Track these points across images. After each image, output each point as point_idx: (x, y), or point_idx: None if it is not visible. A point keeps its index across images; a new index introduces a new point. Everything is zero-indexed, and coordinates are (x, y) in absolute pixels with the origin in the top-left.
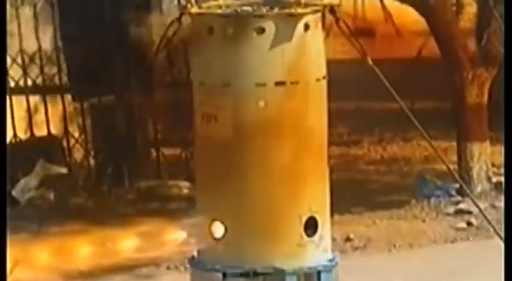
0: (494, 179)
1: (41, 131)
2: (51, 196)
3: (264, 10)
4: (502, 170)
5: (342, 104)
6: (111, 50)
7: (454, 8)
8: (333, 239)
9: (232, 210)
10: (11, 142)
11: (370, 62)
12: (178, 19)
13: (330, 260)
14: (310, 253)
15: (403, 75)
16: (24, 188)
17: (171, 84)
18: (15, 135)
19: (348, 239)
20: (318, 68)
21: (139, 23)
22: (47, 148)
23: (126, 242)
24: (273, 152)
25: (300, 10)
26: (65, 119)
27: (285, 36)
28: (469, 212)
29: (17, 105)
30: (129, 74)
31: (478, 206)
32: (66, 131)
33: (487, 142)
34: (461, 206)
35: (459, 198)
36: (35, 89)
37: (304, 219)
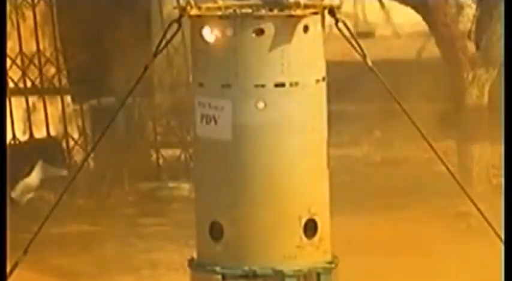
0: (494, 181)
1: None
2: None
3: (263, 11)
4: (502, 172)
5: (342, 106)
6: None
7: (453, 9)
8: (333, 241)
9: (231, 211)
10: (10, 144)
11: (370, 63)
12: (178, 21)
13: (330, 263)
14: (309, 255)
15: (403, 77)
16: (23, 189)
17: (171, 85)
18: (14, 136)
19: (347, 241)
20: (318, 70)
21: None
22: (46, 150)
23: None
24: (272, 154)
25: (299, 12)
26: (64, 120)
27: (284, 37)
28: (469, 214)
29: (16, 107)
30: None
31: (478, 208)
32: (65, 133)
33: (487, 143)
34: (461, 208)
35: (459, 200)
36: (34, 90)
37: (303, 221)
